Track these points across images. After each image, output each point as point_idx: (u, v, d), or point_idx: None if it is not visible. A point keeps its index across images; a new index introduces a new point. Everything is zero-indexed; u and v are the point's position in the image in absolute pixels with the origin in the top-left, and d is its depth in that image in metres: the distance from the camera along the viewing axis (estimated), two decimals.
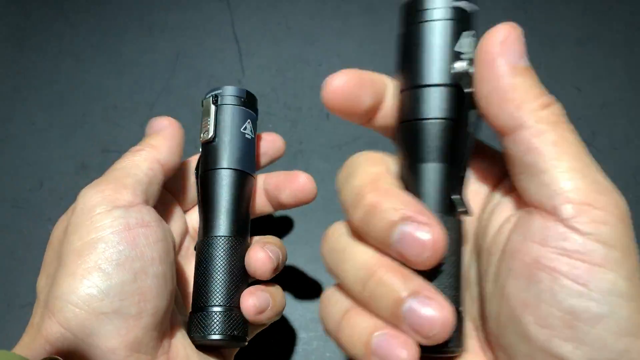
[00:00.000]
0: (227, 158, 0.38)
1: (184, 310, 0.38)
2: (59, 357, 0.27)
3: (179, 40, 0.64)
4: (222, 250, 0.36)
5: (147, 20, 0.65)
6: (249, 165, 0.39)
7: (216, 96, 0.38)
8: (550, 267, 0.22)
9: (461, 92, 0.26)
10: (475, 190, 0.28)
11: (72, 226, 0.30)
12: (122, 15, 0.65)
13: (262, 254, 0.35)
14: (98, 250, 0.29)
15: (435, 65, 0.27)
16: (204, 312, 0.35)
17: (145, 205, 0.33)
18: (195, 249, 0.38)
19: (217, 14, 0.64)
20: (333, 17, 0.64)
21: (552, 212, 0.23)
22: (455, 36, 0.27)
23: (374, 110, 0.29)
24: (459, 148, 0.26)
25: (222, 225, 0.37)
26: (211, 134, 0.38)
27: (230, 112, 0.38)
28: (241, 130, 0.38)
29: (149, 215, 0.32)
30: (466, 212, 0.26)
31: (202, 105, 0.39)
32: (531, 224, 0.23)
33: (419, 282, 0.23)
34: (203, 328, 0.34)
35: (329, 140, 0.58)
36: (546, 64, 0.60)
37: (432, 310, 0.22)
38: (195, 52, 0.63)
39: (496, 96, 0.25)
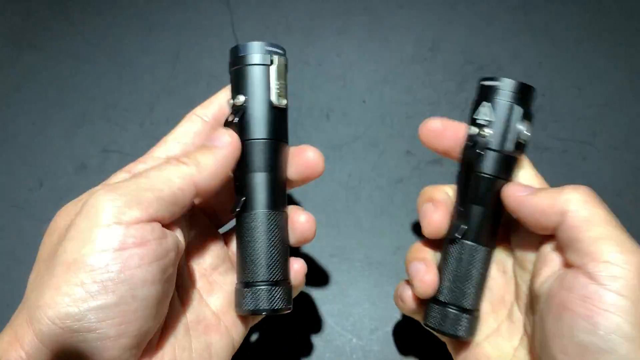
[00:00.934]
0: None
1: None
2: None
3: (179, 40, 0.64)
4: (273, 224, 0.37)
5: (147, 20, 0.65)
6: (285, 133, 0.39)
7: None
8: (571, 309, 0.30)
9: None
10: (529, 239, 0.37)
11: (72, 230, 0.30)
12: (122, 15, 0.65)
13: (304, 216, 0.38)
14: (86, 269, 0.28)
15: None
16: (261, 287, 0.36)
17: (151, 223, 0.30)
18: (238, 223, 0.37)
19: (217, 14, 0.64)
20: (333, 17, 0.64)
21: (582, 269, 0.30)
22: None
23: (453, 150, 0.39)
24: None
25: (272, 199, 0.37)
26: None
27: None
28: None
29: (152, 232, 0.30)
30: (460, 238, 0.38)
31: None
32: (566, 276, 0.31)
33: (429, 263, 0.38)
34: (266, 300, 0.36)
35: (329, 140, 0.58)
36: (546, 64, 0.60)
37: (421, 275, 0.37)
38: (195, 52, 0.63)
39: (532, 213, 0.34)
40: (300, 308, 0.52)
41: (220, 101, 0.39)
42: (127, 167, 0.37)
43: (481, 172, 0.36)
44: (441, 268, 0.38)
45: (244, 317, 0.39)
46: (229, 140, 0.36)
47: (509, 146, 0.36)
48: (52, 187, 0.58)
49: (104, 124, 0.60)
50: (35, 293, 0.29)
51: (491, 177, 0.36)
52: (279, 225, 0.37)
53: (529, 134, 0.37)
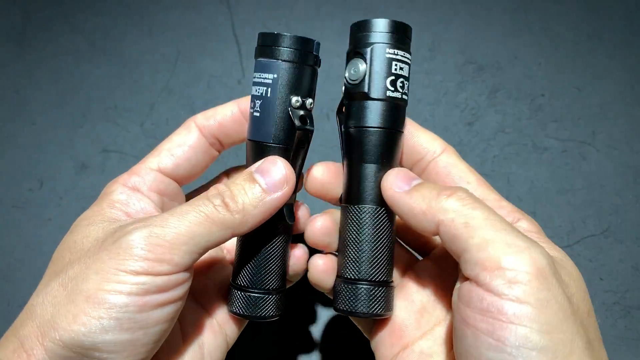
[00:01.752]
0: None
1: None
2: None
3: (179, 40, 0.64)
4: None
5: (147, 20, 0.65)
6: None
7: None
8: (473, 325, 0.26)
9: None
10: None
11: (98, 263, 0.30)
12: (123, 16, 0.65)
13: (300, 250, 0.40)
14: (106, 305, 0.28)
15: None
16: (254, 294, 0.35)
17: (177, 274, 0.30)
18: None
19: (217, 14, 0.64)
20: (333, 17, 0.64)
21: (475, 280, 0.27)
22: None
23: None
24: None
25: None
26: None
27: None
28: None
29: (176, 281, 0.30)
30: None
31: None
32: (463, 289, 0.28)
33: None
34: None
35: (328, 140, 0.58)
36: (546, 64, 0.60)
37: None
38: (195, 52, 0.63)
39: (408, 215, 0.31)
40: (301, 307, 0.52)
41: (224, 114, 0.38)
42: (122, 179, 0.36)
43: (344, 127, 0.35)
44: (341, 244, 0.35)
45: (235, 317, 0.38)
46: (285, 186, 0.32)
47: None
48: (52, 187, 0.58)
49: (104, 124, 0.60)
50: (50, 310, 0.29)
51: (353, 129, 0.34)
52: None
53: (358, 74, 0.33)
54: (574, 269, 0.30)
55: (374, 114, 0.33)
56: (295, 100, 0.33)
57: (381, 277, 0.34)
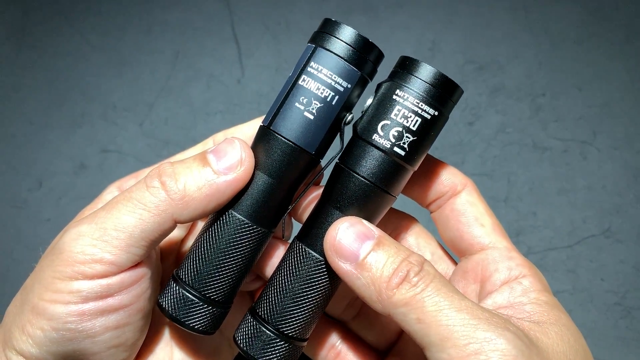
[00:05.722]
0: None
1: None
2: None
3: (179, 40, 0.63)
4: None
5: (147, 20, 0.65)
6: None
7: None
8: None
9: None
10: None
11: (39, 272, 0.28)
12: (122, 15, 0.65)
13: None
14: (46, 316, 0.28)
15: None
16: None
17: (119, 274, 0.28)
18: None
19: (217, 14, 0.64)
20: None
21: None
22: None
23: None
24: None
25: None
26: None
27: None
28: None
29: (120, 285, 0.28)
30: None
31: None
32: None
33: None
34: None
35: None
36: (546, 64, 0.60)
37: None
38: (195, 52, 0.63)
39: (358, 295, 0.27)
40: None
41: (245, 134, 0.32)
42: (120, 181, 0.35)
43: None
44: (272, 275, 0.31)
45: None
46: (239, 168, 0.28)
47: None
48: (51, 187, 0.58)
49: (103, 123, 0.60)
50: (10, 319, 0.29)
51: (339, 163, 0.30)
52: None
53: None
54: (559, 338, 0.27)
55: (353, 154, 0.29)
56: (350, 117, 0.29)
57: (290, 332, 0.29)
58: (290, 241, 0.31)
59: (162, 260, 0.33)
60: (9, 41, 0.65)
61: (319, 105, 0.29)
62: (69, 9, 0.66)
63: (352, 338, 0.34)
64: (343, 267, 0.27)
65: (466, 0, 0.64)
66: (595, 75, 0.60)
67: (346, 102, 0.29)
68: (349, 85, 0.29)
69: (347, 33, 0.29)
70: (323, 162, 0.31)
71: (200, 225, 0.33)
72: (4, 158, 0.59)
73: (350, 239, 0.27)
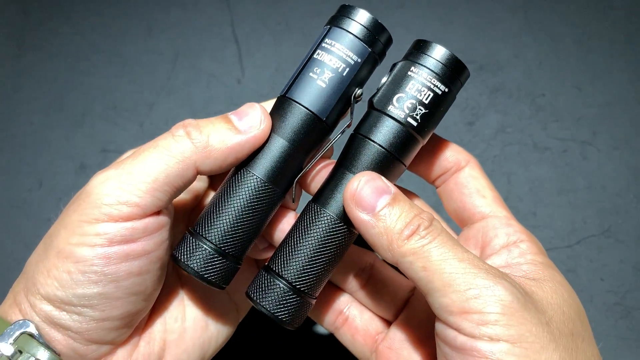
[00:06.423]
0: None
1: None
2: (33, 332, 0.29)
3: (178, 39, 0.63)
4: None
5: (147, 20, 0.65)
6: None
7: None
8: None
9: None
10: None
11: (65, 218, 0.30)
12: (122, 15, 0.65)
13: None
14: (73, 259, 0.29)
15: None
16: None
17: (143, 219, 0.29)
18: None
19: (217, 14, 0.64)
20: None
21: (445, 322, 0.27)
22: None
23: None
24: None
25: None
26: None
27: None
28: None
29: (144, 230, 0.29)
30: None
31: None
32: (438, 327, 0.28)
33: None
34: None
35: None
36: (546, 64, 0.60)
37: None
38: (195, 52, 0.63)
39: (370, 243, 0.29)
40: None
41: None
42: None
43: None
44: (287, 234, 0.33)
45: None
46: (260, 126, 0.31)
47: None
48: (51, 187, 0.58)
49: (104, 124, 0.60)
50: (33, 267, 0.31)
51: (354, 132, 0.34)
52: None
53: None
54: (553, 292, 0.29)
55: (368, 123, 0.32)
56: (359, 92, 0.33)
57: (302, 287, 0.31)
58: (298, 213, 0.33)
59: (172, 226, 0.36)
60: (10, 41, 0.65)
61: (330, 75, 0.32)
62: (69, 9, 0.66)
63: (360, 306, 0.37)
64: (360, 216, 0.29)
65: (466, 0, 0.64)
66: (595, 75, 0.60)
67: (356, 76, 0.32)
68: (359, 60, 0.32)
69: (359, 14, 0.32)
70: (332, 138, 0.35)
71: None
72: (4, 158, 0.59)
73: (369, 191, 0.29)
